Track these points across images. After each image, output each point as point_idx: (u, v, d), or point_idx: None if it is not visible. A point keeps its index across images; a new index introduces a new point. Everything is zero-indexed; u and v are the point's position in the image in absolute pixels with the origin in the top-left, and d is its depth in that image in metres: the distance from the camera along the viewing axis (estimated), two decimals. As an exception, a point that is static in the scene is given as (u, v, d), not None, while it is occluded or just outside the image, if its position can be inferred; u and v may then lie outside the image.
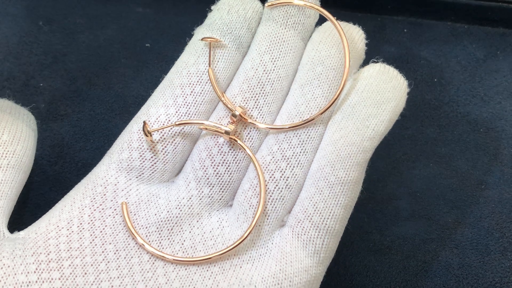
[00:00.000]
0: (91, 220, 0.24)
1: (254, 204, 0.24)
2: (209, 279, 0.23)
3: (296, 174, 0.24)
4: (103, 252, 0.23)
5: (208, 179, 0.25)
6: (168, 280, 0.23)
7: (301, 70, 0.26)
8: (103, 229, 0.24)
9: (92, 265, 0.23)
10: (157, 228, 0.24)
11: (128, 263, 0.23)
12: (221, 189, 0.25)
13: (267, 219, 0.24)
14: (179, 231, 0.24)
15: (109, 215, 0.24)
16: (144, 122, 0.24)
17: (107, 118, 0.34)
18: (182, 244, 0.24)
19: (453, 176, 0.33)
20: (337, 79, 0.26)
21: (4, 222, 0.24)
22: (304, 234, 0.24)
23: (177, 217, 0.24)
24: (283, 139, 0.25)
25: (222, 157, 0.25)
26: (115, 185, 0.24)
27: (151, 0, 0.39)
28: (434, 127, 0.35)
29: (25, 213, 0.30)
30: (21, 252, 0.22)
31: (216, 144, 0.25)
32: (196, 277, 0.23)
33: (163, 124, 0.25)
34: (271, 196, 0.24)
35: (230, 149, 0.25)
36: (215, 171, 0.25)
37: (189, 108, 0.25)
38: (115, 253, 0.23)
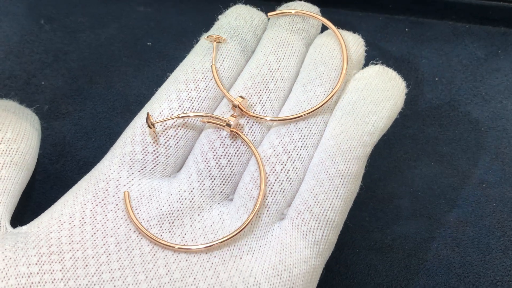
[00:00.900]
0: (93, 215, 0.24)
1: (255, 196, 0.24)
2: (209, 270, 0.23)
3: (296, 168, 0.25)
4: (104, 244, 0.23)
5: (210, 171, 0.25)
6: (168, 270, 0.23)
7: (303, 71, 0.27)
8: (105, 223, 0.24)
9: (93, 257, 0.23)
10: (158, 221, 0.24)
11: (129, 255, 0.23)
12: (222, 181, 0.25)
13: (267, 210, 0.24)
14: (180, 225, 0.24)
15: (111, 210, 0.24)
16: (148, 114, 0.24)
17: (108, 117, 0.34)
18: (183, 237, 0.24)
19: (454, 175, 0.33)
20: (338, 78, 0.26)
21: (7, 218, 0.24)
22: (304, 225, 0.24)
23: (178, 210, 0.24)
24: (284, 133, 0.25)
25: (224, 150, 0.25)
26: (117, 180, 0.25)
27: (152, -1, 0.39)
28: (435, 126, 0.35)
29: (26, 211, 0.30)
30: (23, 245, 0.23)
31: (218, 137, 0.25)
32: (197, 268, 0.23)
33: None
34: (271, 188, 0.24)
35: (232, 142, 0.25)
36: (217, 163, 0.25)
37: (193, 103, 0.25)
38: (116, 246, 0.23)
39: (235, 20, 0.28)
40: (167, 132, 0.25)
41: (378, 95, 0.26)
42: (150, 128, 0.24)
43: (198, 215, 0.25)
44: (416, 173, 0.33)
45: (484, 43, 0.38)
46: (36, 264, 0.22)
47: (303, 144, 0.25)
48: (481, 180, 0.33)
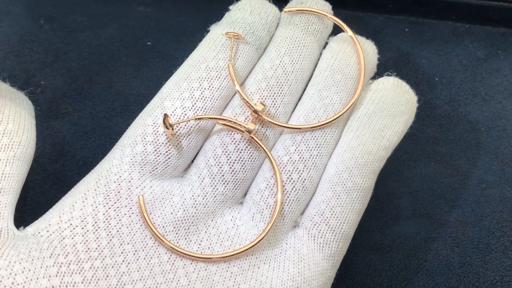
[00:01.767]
0: (106, 219, 0.23)
1: (271, 204, 0.24)
2: (230, 280, 0.23)
3: (312, 177, 0.25)
4: (122, 253, 0.22)
5: (223, 176, 0.24)
6: (190, 281, 0.22)
7: (319, 75, 0.26)
8: (120, 228, 0.23)
9: (113, 267, 0.22)
10: (174, 227, 0.24)
11: (148, 264, 0.22)
12: (235, 186, 0.25)
13: (283, 219, 0.24)
14: (195, 231, 0.24)
15: (125, 214, 0.23)
16: (165, 115, 0.23)
17: (108, 117, 0.34)
18: (200, 244, 0.24)
19: (454, 175, 0.33)
20: (354, 87, 0.26)
21: (11, 219, 0.23)
22: (321, 237, 0.24)
23: (193, 216, 0.24)
24: (300, 141, 0.25)
25: (239, 155, 0.25)
26: (129, 181, 0.24)
27: (152, -1, 0.39)
28: (435, 126, 0.35)
29: (25, 211, 0.30)
30: (38, 254, 0.22)
31: (232, 141, 0.25)
32: (217, 278, 0.23)
33: (179, 118, 0.24)
34: (288, 197, 0.24)
35: (247, 147, 0.25)
36: (230, 168, 0.24)
37: (206, 102, 0.25)
38: (134, 254, 0.22)
39: (250, 15, 0.27)
40: (179, 133, 0.24)
41: (393, 109, 0.26)
42: (168, 129, 0.23)
43: (212, 220, 0.24)
44: (415, 173, 0.33)
45: (484, 43, 0.38)
46: (57, 276, 0.21)
47: (318, 152, 0.25)
48: (481, 180, 0.33)
